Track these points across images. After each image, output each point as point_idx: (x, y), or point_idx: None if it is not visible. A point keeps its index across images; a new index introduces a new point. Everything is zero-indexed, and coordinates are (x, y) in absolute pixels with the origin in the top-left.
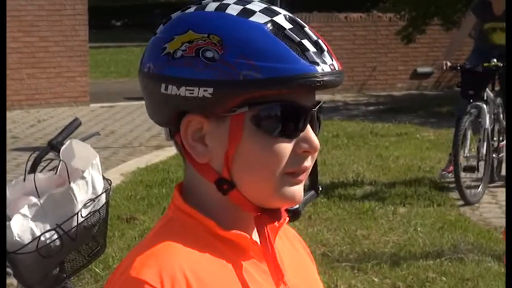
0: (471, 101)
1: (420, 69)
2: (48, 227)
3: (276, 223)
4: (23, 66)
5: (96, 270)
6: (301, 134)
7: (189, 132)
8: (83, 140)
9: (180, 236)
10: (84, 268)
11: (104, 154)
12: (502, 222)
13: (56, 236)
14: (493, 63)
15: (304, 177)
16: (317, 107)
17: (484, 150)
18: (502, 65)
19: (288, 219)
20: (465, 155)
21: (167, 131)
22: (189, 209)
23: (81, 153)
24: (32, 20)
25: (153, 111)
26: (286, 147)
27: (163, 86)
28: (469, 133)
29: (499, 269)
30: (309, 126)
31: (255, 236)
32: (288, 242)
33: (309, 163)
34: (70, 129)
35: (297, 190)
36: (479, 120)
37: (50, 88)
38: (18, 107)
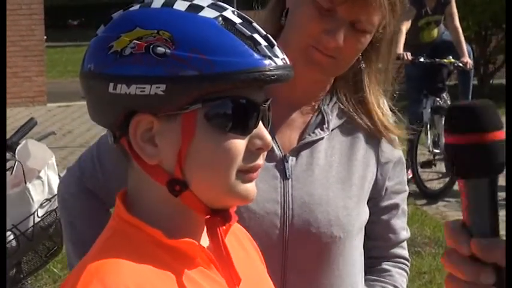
0: (436, 94)
1: None
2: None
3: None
4: None
5: (54, 270)
6: (254, 131)
7: (138, 133)
8: (39, 139)
9: (125, 250)
10: (42, 268)
11: (61, 154)
12: (459, 215)
13: (12, 237)
14: (451, 60)
15: (256, 175)
16: (267, 103)
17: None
18: (461, 64)
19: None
20: (430, 149)
21: (111, 135)
22: (133, 219)
23: (36, 153)
24: None
25: (98, 113)
26: (240, 144)
27: (111, 85)
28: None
29: None
30: (261, 123)
31: (204, 241)
32: (236, 240)
33: (261, 161)
34: (25, 130)
35: (251, 188)
36: (441, 113)
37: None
38: None
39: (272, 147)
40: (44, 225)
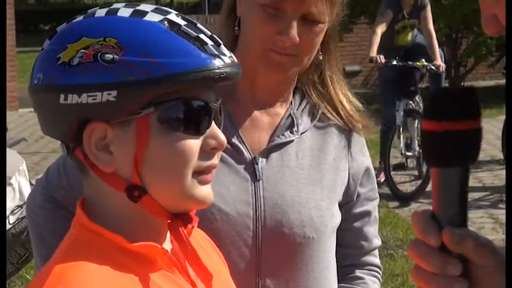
0: (409, 97)
1: (348, 68)
2: None
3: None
4: None
5: (28, 276)
6: (208, 131)
7: (92, 141)
8: (10, 146)
9: (87, 256)
10: (14, 275)
11: (34, 159)
12: None
13: None
14: (424, 63)
15: (211, 177)
16: (218, 103)
17: (417, 146)
18: (433, 67)
19: (198, 222)
20: (402, 151)
21: (64, 147)
22: (94, 226)
23: (7, 159)
24: None
25: (51, 126)
26: (195, 144)
27: (62, 96)
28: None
29: None
30: (214, 123)
31: (167, 244)
32: (197, 244)
33: (216, 161)
34: None
35: (207, 191)
36: (414, 115)
37: None
38: None
39: (241, 149)
40: (15, 232)
